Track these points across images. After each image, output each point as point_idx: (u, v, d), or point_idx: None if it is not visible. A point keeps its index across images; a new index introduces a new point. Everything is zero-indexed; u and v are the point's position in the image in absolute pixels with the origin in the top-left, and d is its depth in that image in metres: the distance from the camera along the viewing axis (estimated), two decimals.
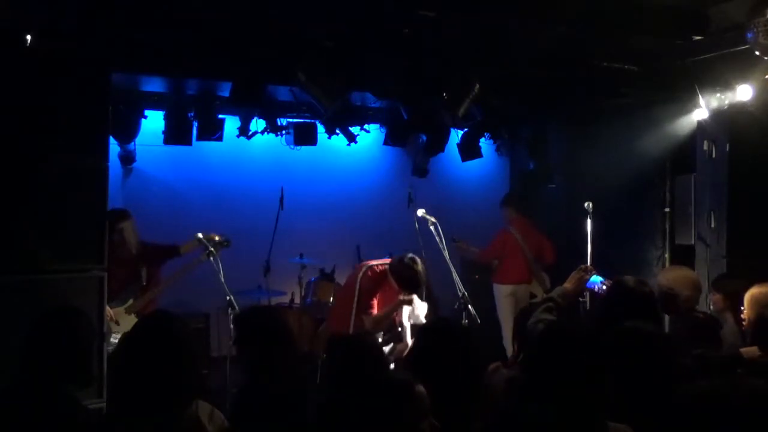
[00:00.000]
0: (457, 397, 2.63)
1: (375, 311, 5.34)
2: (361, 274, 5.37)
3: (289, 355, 3.21)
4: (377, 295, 5.38)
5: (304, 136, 7.50)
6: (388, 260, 5.42)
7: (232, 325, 3.82)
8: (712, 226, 6.16)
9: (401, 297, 5.24)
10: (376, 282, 5.37)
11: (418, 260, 5.23)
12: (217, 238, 5.37)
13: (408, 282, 5.20)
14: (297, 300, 7.24)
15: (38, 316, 2.94)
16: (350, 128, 7.68)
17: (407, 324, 5.46)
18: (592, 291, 4.24)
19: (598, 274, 4.11)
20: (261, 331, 3.21)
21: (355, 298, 5.32)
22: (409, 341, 5.36)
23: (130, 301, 5.28)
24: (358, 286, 5.32)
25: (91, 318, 3.11)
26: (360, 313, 5.35)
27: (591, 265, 6.01)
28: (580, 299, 5.97)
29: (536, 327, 3.43)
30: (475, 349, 2.77)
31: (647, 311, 3.43)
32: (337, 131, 7.62)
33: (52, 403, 2.72)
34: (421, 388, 2.41)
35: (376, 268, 5.42)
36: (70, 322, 2.95)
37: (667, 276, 4.44)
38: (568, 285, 3.89)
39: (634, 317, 3.10)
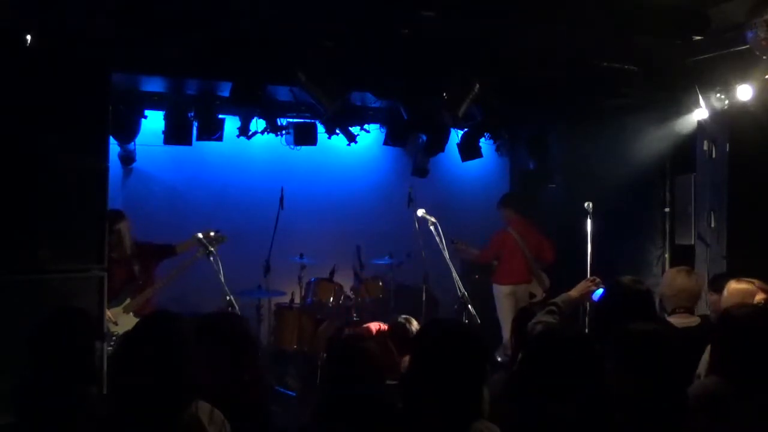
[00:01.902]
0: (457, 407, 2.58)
1: None
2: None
3: (254, 361, 3.21)
4: None
5: (304, 136, 7.50)
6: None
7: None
8: (712, 226, 6.16)
9: None
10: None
11: (412, 320, 5.04)
12: (212, 234, 5.43)
13: (401, 342, 4.88)
14: (297, 300, 7.24)
15: (40, 318, 2.96)
16: (350, 128, 7.67)
17: None
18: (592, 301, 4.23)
19: (602, 278, 4.10)
20: (229, 338, 3.18)
21: None
22: None
23: (128, 301, 5.30)
24: None
25: (92, 316, 3.12)
26: None
27: (591, 265, 6.04)
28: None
29: (535, 327, 3.43)
30: (477, 352, 2.65)
31: (645, 309, 3.43)
32: (337, 131, 7.62)
33: (67, 403, 2.75)
34: None
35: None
36: (72, 321, 2.97)
37: (663, 277, 4.47)
38: (573, 293, 3.87)
39: (632, 315, 3.09)
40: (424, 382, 2.48)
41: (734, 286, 4.26)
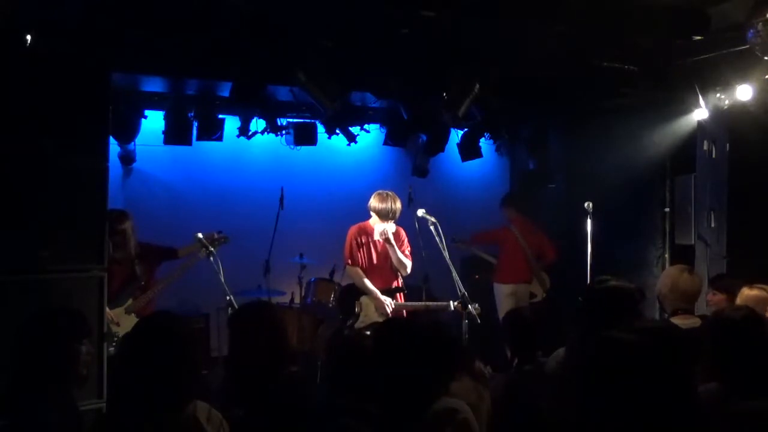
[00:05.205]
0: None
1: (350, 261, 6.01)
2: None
3: (286, 349, 3.25)
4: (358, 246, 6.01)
5: (304, 136, 7.50)
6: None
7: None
8: (712, 226, 6.16)
9: None
10: (353, 233, 6.02)
11: (392, 193, 5.93)
12: (215, 236, 5.44)
13: (381, 211, 5.84)
14: (297, 300, 7.23)
15: (20, 324, 2.97)
16: (350, 128, 7.67)
17: None
18: None
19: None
20: (259, 327, 3.23)
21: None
22: None
23: (130, 302, 5.30)
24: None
25: (78, 318, 3.11)
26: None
27: (591, 265, 6.03)
28: (579, 298, 5.95)
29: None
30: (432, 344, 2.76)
31: (621, 307, 3.36)
32: (337, 131, 7.62)
33: (45, 405, 2.76)
34: None
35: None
36: (51, 323, 2.97)
37: (663, 277, 4.43)
38: None
39: (611, 317, 3.06)
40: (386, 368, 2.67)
41: (747, 292, 4.22)
